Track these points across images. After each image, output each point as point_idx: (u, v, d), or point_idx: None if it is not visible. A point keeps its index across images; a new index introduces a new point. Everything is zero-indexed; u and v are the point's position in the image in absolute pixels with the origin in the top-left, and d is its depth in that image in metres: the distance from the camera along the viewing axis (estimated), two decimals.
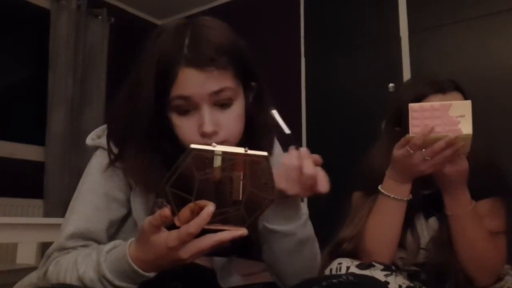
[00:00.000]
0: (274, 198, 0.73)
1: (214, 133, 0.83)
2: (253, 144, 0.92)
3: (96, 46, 3.54)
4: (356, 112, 2.71)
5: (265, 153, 0.70)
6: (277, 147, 1.04)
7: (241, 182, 0.71)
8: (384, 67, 2.66)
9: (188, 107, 0.83)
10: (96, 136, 0.96)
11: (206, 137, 0.82)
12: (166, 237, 0.70)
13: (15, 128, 3.20)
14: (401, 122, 1.23)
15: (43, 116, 3.20)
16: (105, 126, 0.98)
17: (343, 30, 2.90)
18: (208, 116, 0.82)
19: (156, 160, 0.87)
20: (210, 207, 0.68)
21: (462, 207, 1.16)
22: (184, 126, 0.84)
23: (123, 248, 0.77)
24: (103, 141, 0.93)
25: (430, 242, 1.24)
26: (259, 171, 0.71)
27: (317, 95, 2.96)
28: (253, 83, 0.91)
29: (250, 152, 0.69)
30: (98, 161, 0.93)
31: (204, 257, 0.96)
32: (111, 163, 0.90)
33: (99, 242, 0.89)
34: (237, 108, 0.86)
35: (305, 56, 3.04)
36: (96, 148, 0.95)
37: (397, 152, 1.13)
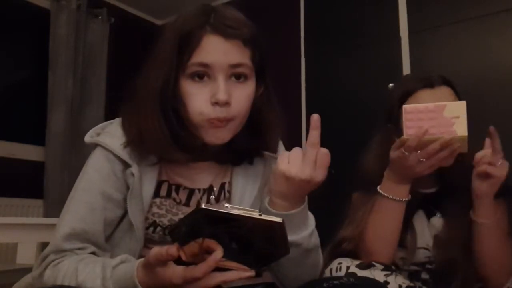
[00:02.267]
0: (288, 252, 0.74)
1: (227, 103, 0.83)
2: (259, 140, 0.94)
3: (96, 46, 3.54)
4: (356, 112, 2.70)
5: (279, 219, 0.69)
6: (281, 147, 1.04)
7: (253, 239, 0.70)
8: (384, 67, 2.66)
9: (205, 74, 0.84)
10: (95, 134, 0.95)
11: (218, 106, 0.83)
12: (172, 273, 0.70)
13: (15, 128, 3.20)
14: (391, 119, 1.24)
15: (43, 116, 3.20)
16: (104, 123, 0.97)
17: (343, 30, 2.90)
18: (224, 85, 0.83)
19: (164, 130, 0.87)
20: (218, 254, 0.68)
21: (492, 216, 1.15)
22: (197, 93, 0.84)
23: (131, 268, 0.77)
24: (101, 139, 0.92)
25: (434, 241, 1.24)
26: (273, 232, 0.70)
27: (317, 95, 2.95)
28: (263, 79, 0.92)
29: (264, 217, 0.68)
30: (96, 159, 0.92)
31: None
32: (128, 142, 0.89)
33: (96, 243, 0.89)
34: (250, 87, 0.88)
35: (305, 56, 3.04)
36: (94, 146, 0.94)
37: (393, 153, 1.14)
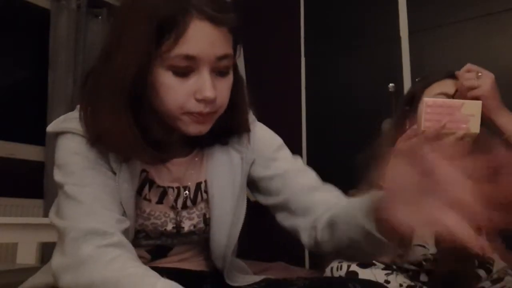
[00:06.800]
0: None
1: (214, 100, 0.76)
2: (231, 120, 0.86)
3: (96, 46, 3.54)
4: (356, 112, 2.71)
5: None
6: (261, 128, 0.96)
7: None
8: (384, 67, 2.66)
9: (188, 68, 0.74)
10: (60, 123, 0.83)
11: (203, 102, 0.75)
12: None
13: (15, 128, 3.20)
14: (412, 103, 1.35)
15: (43, 116, 3.20)
16: (65, 115, 0.85)
17: (343, 30, 2.90)
18: (210, 81, 0.75)
19: (133, 126, 0.76)
20: None
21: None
22: (178, 87, 0.74)
23: None
24: (70, 125, 0.80)
25: (435, 239, 1.23)
26: None
27: (317, 95, 2.96)
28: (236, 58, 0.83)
29: None
30: (69, 145, 0.79)
31: (203, 261, 0.95)
32: (91, 140, 0.77)
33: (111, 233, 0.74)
34: (231, 78, 0.80)
35: (305, 56, 3.04)
36: (56, 135, 0.81)
37: (402, 145, 1.14)
